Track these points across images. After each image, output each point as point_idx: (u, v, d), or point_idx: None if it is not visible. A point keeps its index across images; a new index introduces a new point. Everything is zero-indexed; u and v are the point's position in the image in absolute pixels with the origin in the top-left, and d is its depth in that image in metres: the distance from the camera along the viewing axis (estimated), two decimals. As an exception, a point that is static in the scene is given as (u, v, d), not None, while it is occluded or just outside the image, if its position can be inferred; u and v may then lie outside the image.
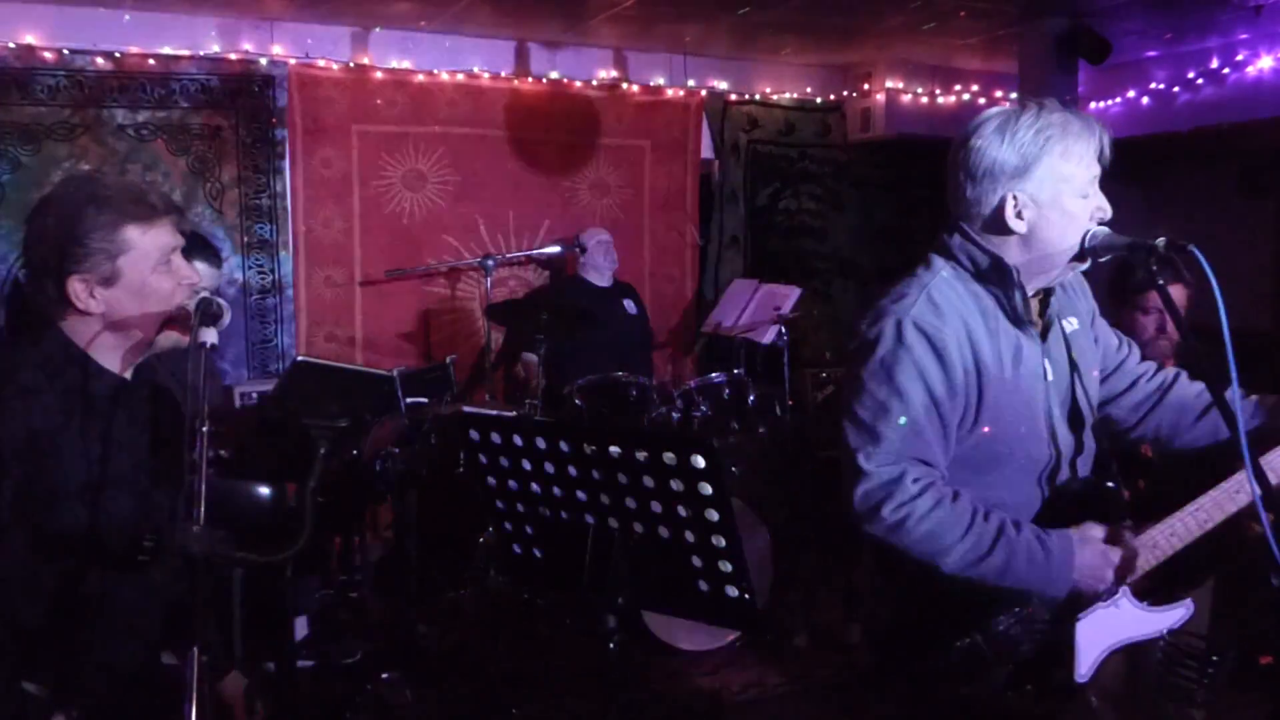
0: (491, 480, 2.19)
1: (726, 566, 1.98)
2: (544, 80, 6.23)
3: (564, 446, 2.03)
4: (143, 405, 2.00)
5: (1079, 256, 2.04)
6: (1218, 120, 6.18)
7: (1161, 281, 2.09)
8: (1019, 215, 2.00)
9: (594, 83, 6.37)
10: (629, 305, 5.70)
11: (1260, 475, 1.97)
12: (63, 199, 1.88)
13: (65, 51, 5.16)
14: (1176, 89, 6.41)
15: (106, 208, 1.85)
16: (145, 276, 1.89)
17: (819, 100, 7.05)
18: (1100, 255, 2.09)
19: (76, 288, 1.84)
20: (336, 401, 3.10)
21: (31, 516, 1.79)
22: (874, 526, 1.94)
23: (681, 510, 1.95)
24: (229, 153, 5.58)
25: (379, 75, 5.84)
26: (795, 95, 6.98)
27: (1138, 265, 2.04)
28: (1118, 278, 3.00)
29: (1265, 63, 5.92)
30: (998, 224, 2.03)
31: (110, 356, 1.92)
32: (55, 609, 1.84)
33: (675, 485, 1.92)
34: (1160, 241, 1.96)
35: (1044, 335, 2.12)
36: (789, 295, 5.82)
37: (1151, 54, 6.48)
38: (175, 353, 2.04)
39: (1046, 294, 2.14)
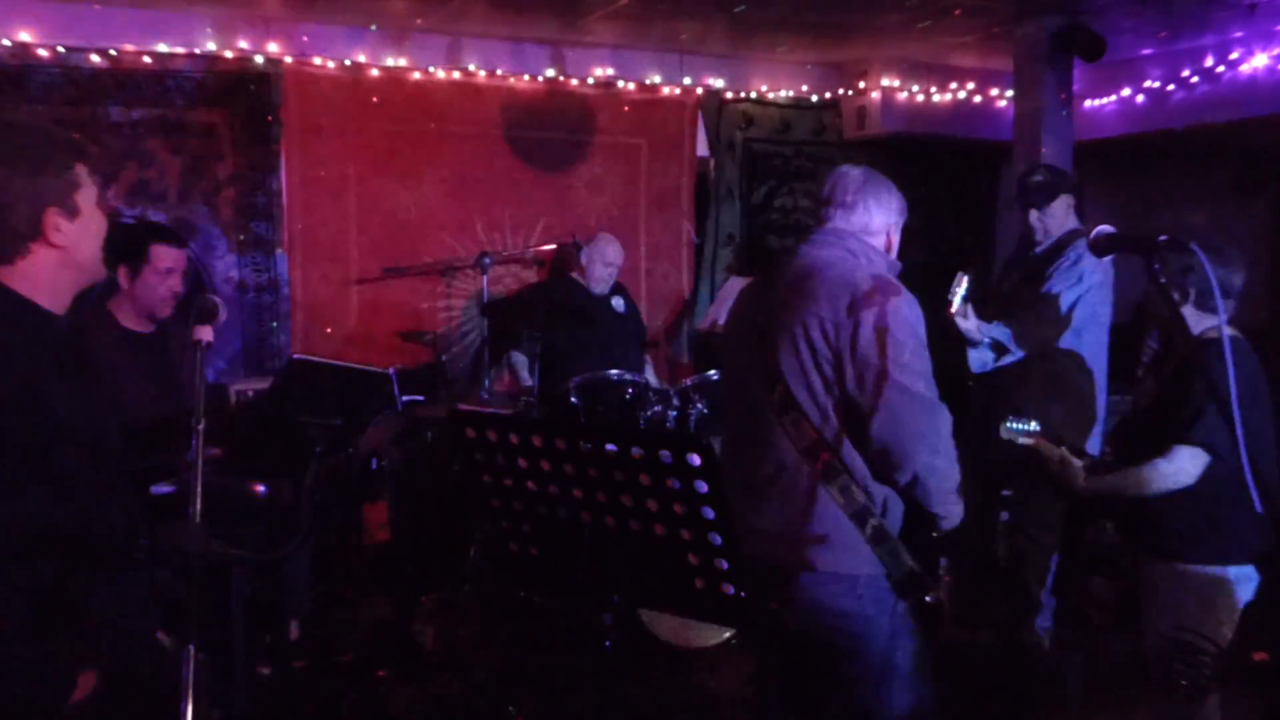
0: (487, 478, 2.19)
1: (723, 564, 1.99)
2: (540, 79, 6.23)
3: (560, 444, 2.03)
4: (79, 346, 2.02)
5: None
6: (1213, 118, 6.19)
7: (1164, 280, 2.11)
8: None
9: (590, 81, 6.36)
10: (618, 304, 5.70)
11: (1257, 477, 1.98)
12: (22, 138, 1.90)
13: (61, 49, 5.15)
14: (1171, 87, 6.42)
15: (61, 146, 1.90)
16: (94, 211, 1.93)
17: (815, 98, 7.05)
18: (1103, 252, 2.13)
19: (54, 220, 1.85)
20: (332, 400, 3.11)
21: (40, 466, 1.78)
22: None
23: (678, 508, 1.95)
24: (225, 151, 5.57)
25: (375, 73, 5.83)
26: (791, 93, 6.98)
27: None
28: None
29: (1260, 60, 5.92)
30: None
31: (55, 300, 1.92)
32: (69, 565, 1.83)
33: (671, 483, 1.92)
34: (1162, 239, 1.98)
35: None
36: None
37: (1146, 52, 6.49)
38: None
39: None
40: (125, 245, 3.70)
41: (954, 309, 3.96)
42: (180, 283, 3.66)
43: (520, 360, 5.43)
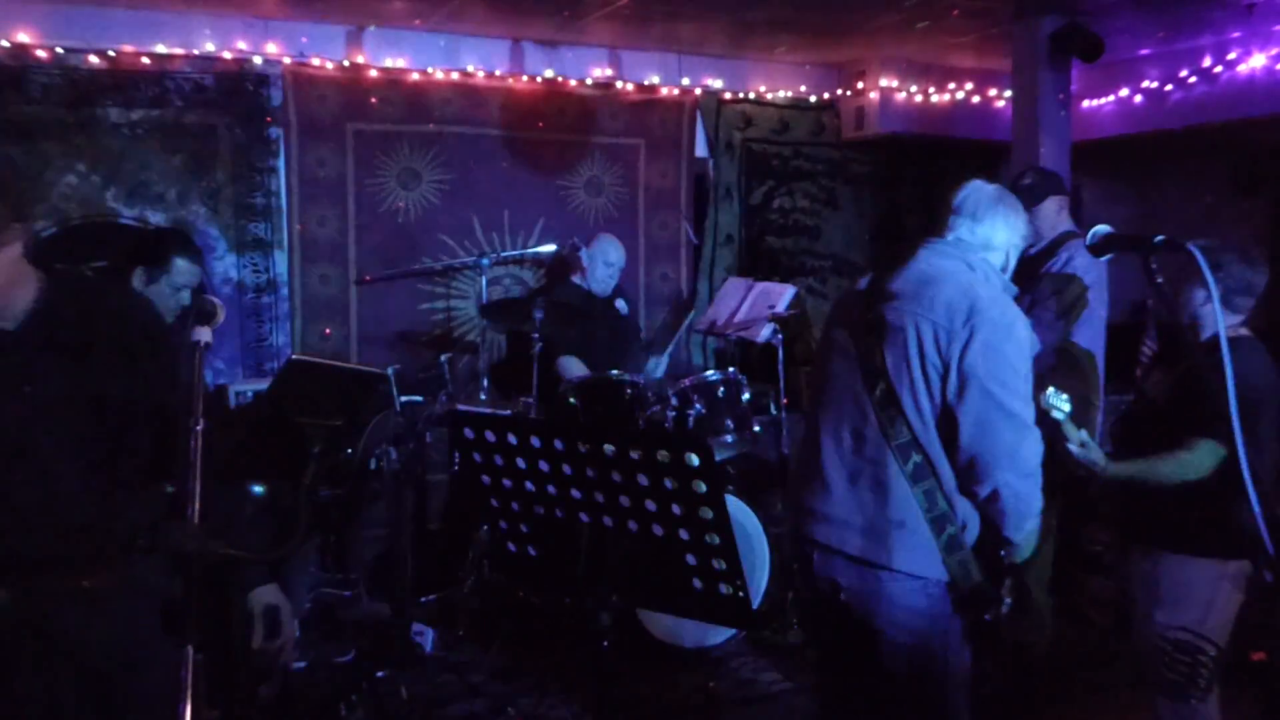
0: (486, 479, 2.20)
1: (721, 564, 1.99)
2: (539, 79, 6.23)
3: (558, 445, 2.03)
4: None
5: None
6: (1210, 118, 6.19)
7: (1160, 280, 2.12)
8: None
9: (589, 81, 6.36)
10: (620, 306, 5.70)
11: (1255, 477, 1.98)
12: None
13: (59, 50, 5.15)
14: (1169, 87, 6.42)
15: None
16: None
17: (813, 99, 7.05)
18: (1101, 253, 2.17)
19: None
20: (332, 400, 3.11)
21: None
22: None
23: (676, 508, 1.96)
24: (223, 152, 5.57)
25: (373, 74, 5.83)
26: (789, 94, 6.99)
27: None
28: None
29: (1258, 61, 5.93)
30: None
31: None
32: None
33: (669, 483, 1.93)
34: (1159, 240, 2.00)
35: None
36: (783, 293, 5.82)
37: (1144, 52, 6.50)
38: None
39: None
40: (149, 251, 3.71)
41: None
42: (188, 297, 3.67)
43: (570, 362, 5.28)
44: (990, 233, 2.57)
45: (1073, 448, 2.96)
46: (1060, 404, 2.89)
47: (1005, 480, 2.37)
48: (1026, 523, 2.44)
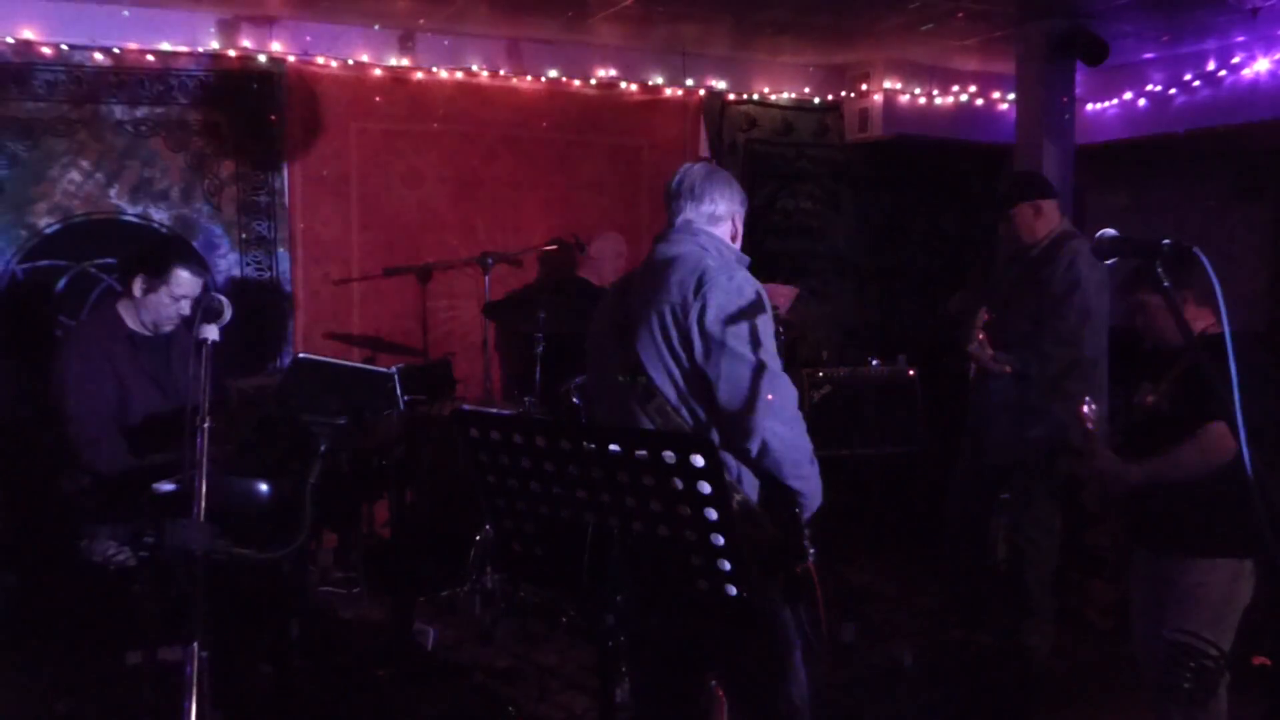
0: (491, 478, 2.20)
1: (725, 565, 1.99)
2: (542, 79, 6.23)
3: (564, 445, 2.03)
4: None
5: None
6: (1214, 122, 6.19)
7: (1167, 284, 2.13)
8: None
9: (592, 82, 6.37)
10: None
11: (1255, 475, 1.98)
12: None
13: (64, 47, 5.15)
14: (1173, 91, 6.43)
15: None
16: None
17: (817, 100, 7.05)
18: (1107, 255, 2.17)
19: None
20: (338, 399, 3.11)
21: None
22: None
23: (681, 509, 1.96)
24: (227, 150, 5.57)
25: (378, 73, 5.84)
26: (793, 95, 6.99)
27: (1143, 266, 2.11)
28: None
29: (1262, 65, 5.93)
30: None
31: None
32: None
33: (675, 484, 1.93)
34: (1166, 243, 2.01)
35: None
36: (786, 295, 5.83)
37: (1148, 56, 6.50)
38: None
39: None
40: (149, 258, 3.70)
41: (972, 347, 4.02)
42: (189, 309, 3.67)
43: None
44: (712, 206, 2.70)
45: (1100, 464, 2.94)
46: (1092, 417, 2.90)
47: (770, 428, 2.44)
48: (802, 469, 2.51)
